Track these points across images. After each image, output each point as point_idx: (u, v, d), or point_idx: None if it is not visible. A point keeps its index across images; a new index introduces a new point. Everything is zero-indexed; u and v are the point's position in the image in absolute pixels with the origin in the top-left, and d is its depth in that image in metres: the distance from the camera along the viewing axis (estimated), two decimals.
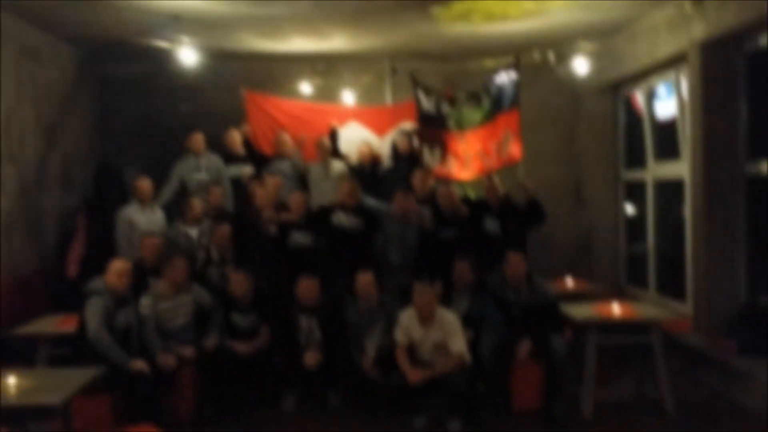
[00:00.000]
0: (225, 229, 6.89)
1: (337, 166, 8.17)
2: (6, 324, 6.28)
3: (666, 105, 8.22)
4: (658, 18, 7.41)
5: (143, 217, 7.32)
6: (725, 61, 6.65)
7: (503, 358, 6.02)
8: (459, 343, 5.73)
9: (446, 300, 6.31)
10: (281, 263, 7.01)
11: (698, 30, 6.63)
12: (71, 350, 5.58)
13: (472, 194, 8.15)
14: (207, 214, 7.30)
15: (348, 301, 6.47)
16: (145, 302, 6.01)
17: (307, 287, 6.30)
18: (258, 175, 7.92)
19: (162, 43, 8.08)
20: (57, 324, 6.10)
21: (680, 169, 7.58)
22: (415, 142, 8.21)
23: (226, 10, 7.03)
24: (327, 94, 9.54)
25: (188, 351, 5.97)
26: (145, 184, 7.46)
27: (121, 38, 8.10)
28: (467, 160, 7.91)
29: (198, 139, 8.11)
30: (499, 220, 7.09)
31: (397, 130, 8.62)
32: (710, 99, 6.68)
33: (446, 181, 7.78)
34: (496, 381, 6.03)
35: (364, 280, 6.33)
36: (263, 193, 7.25)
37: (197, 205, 7.26)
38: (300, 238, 7.04)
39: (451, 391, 5.68)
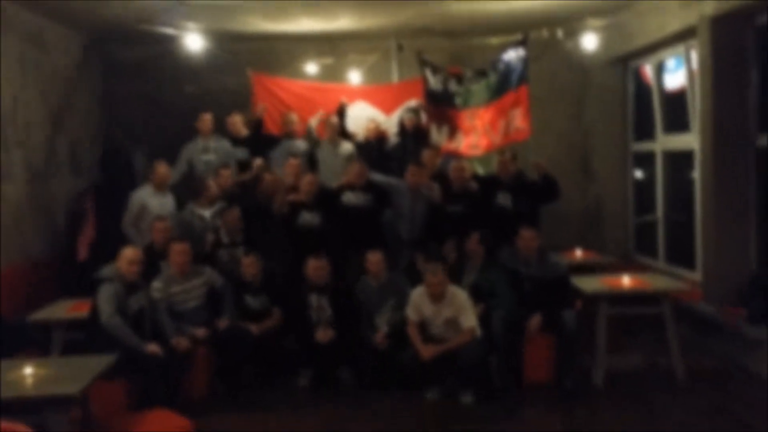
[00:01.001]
0: (235, 211, 6.91)
1: (346, 146, 8.16)
2: (19, 310, 6.33)
3: (675, 77, 8.17)
4: None
5: (156, 201, 7.31)
6: (735, 36, 6.61)
7: (515, 332, 6.05)
8: (470, 319, 5.76)
9: (458, 269, 6.35)
10: (291, 243, 7.03)
11: (708, 4, 6.59)
12: (85, 335, 5.63)
13: (480, 170, 8.15)
14: (218, 195, 7.33)
15: (358, 278, 6.50)
16: (157, 286, 6.05)
17: (315, 267, 6.33)
18: (264, 158, 7.95)
19: (167, 29, 8.05)
20: (70, 309, 6.14)
21: (690, 141, 7.55)
22: (423, 118, 8.18)
23: None
24: (333, 73, 9.50)
25: (201, 332, 6.02)
26: (163, 169, 7.42)
27: (125, 23, 8.08)
28: (475, 136, 7.87)
29: (207, 120, 8.12)
30: (512, 195, 7.08)
31: (404, 107, 8.59)
32: (720, 73, 6.66)
33: (458, 157, 7.75)
34: (508, 354, 6.06)
35: (374, 258, 6.36)
36: (273, 177, 7.25)
37: (213, 186, 7.28)
38: (309, 218, 7.05)
39: (463, 364, 5.72)
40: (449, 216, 7.01)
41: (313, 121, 8.46)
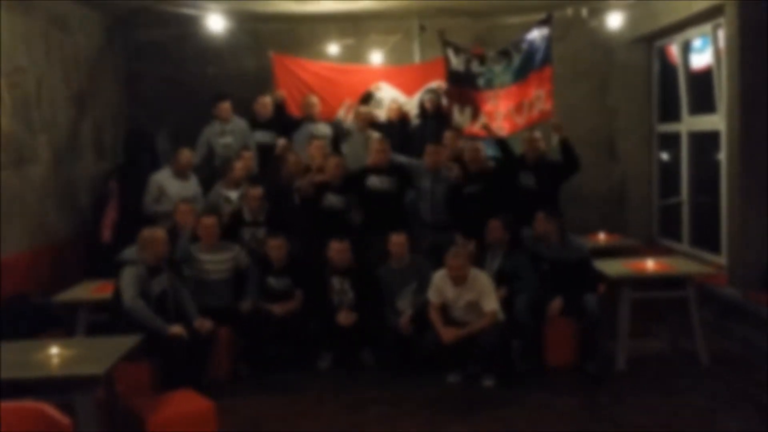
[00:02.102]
0: (257, 191, 6.94)
1: (375, 135, 7.96)
2: (44, 291, 6.40)
3: (701, 57, 8.06)
4: None
5: (175, 184, 7.34)
6: (763, 14, 6.50)
7: (537, 315, 6.04)
8: (492, 302, 5.75)
9: (480, 257, 6.33)
10: (315, 225, 7.04)
11: None
12: (109, 316, 5.68)
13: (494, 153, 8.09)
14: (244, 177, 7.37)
15: (381, 261, 6.49)
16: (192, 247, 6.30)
17: (338, 249, 6.34)
18: (288, 140, 7.94)
19: (189, 10, 8.04)
20: (94, 290, 6.21)
21: (716, 122, 7.46)
22: (444, 100, 8.13)
23: None
24: (355, 54, 9.44)
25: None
26: (186, 155, 7.44)
27: (148, 4, 8.07)
28: (498, 118, 7.80)
29: (225, 109, 8.09)
30: (534, 175, 7.03)
31: (425, 89, 8.53)
32: (747, 52, 6.56)
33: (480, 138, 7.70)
34: (530, 337, 6.06)
35: (397, 240, 6.35)
36: (296, 158, 7.25)
37: (238, 167, 7.30)
38: (335, 201, 7.06)
39: (484, 347, 5.72)
40: (467, 197, 6.97)
41: (342, 112, 8.39)
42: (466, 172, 7.06)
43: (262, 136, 8.19)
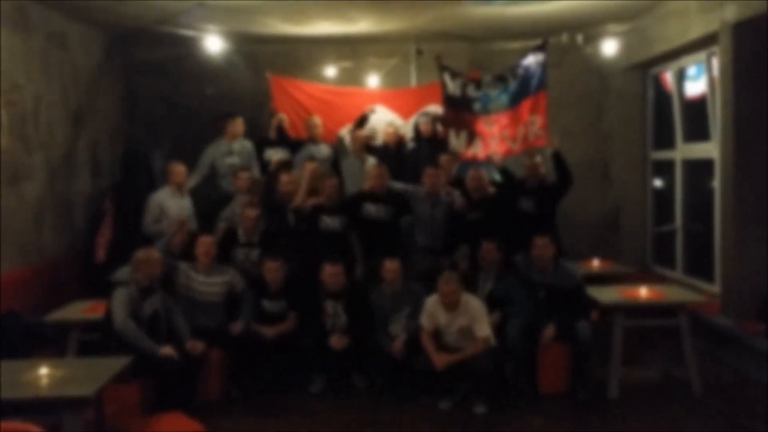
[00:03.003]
0: (253, 212, 6.92)
1: (371, 160, 7.98)
2: (37, 309, 6.38)
3: (696, 85, 8.11)
4: None
5: (174, 203, 7.36)
6: (757, 43, 6.54)
7: (529, 340, 6.03)
8: (484, 328, 5.74)
9: (473, 279, 6.34)
10: (310, 247, 7.03)
11: (730, 11, 6.54)
12: (101, 337, 5.65)
13: (497, 177, 8.11)
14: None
15: (374, 285, 6.50)
16: (183, 267, 6.27)
17: (331, 273, 6.33)
18: (289, 161, 7.95)
19: (187, 31, 8.09)
20: (86, 310, 6.18)
21: (710, 149, 7.50)
22: (438, 126, 8.18)
23: None
24: (352, 77, 9.51)
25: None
26: (179, 169, 7.49)
27: (147, 24, 8.12)
28: (493, 142, 7.84)
29: (239, 124, 8.12)
30: (534, 200, 7.05)
31: (421, 112, 8.58)
32: (741, 80, 6.60)
33: (477, 163, 7.73)
34: (522, 363, 6.05)
35: (390, 266, 6.35)
36: (288, 179, 7.25)
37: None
38: (330, 223, 7.05)
39: (476, 373, 5.71)
40: (468, 224, 6.98)
41: (344, 133, 8.41)
42: (468, 198, 7.08)
43: (272, 154, 8.20)
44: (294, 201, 7.05)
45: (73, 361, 5.42)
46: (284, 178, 7.27)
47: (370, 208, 7.05)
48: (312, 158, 7.82)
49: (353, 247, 7.10)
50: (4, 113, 6.44)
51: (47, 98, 7.43)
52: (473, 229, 6.88)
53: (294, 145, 8.35)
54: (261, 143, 8.30)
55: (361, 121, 8.40)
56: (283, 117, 8.55)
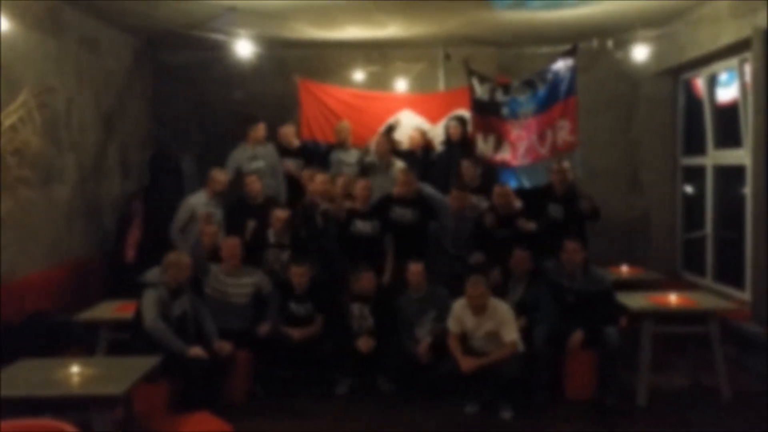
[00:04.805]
0: (282, 213, 6.93)
1: (399, 164, 7.93)
2: (67, 309, 6.45)
3: (727, 91, 8.03)
4: (720, 4, 7.25)
5: (205, 209, 7.36)
6: None
7: (556, 346, 5.99)
8: (511, 333, 5.72)
9: (503, 287, 6.32)
10: (343, 251, 7.06)
11: (762, 16, 6.46)
12: (129, 338, 5.71)
13: (527, 182, 8.09)
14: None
15: (401, 289, 6.49)
16: (213, 269, 6.34)
17: (367, 280, 6.36)
18: (310, 165, 7.95)
19: (217, 35, 8.15)
20: (116, 310, 6.23)
21: (741, 156, 7.42)
22: (469, 128, 8.15)
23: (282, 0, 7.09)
24: (380, 81, 9.52)
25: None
26: (222, 177, 7.51)
27: (177, 29, 8.20)
28: (521, 147, 7.81)
29: (261, 129, 8.09)
30: (563, 207, 7.01)
31: (450, 116, 8.56)
32: None
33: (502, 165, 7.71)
34: (549, 368, 6.01)
35: (415, 269, 6.35)
36: (323, 178, 7.25)
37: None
38: (362, 227, 7.05)
39: (503, 378, 5.68)
40: (498, 241, 6.88)
41: (373, 143, 8.39)
42: (497, 215, 7.02)
43: (291, 162, 8.22)
44: (333, 207, 7.10)
45: (102, 360, 5.46)
46: (319, 177, 7.29)
47: (398, 212, 7.06)
48: (344, 164, 7.82)
49: (384, 250, 7.07)
50: (37, 115, 6.51)
51: (79, 101, 7.52)
52: (503, 246, 6.75)
53: (314, 154, 8.34)
54: (279, 152, 8.27)
55: (388, 130, 8.45)
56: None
